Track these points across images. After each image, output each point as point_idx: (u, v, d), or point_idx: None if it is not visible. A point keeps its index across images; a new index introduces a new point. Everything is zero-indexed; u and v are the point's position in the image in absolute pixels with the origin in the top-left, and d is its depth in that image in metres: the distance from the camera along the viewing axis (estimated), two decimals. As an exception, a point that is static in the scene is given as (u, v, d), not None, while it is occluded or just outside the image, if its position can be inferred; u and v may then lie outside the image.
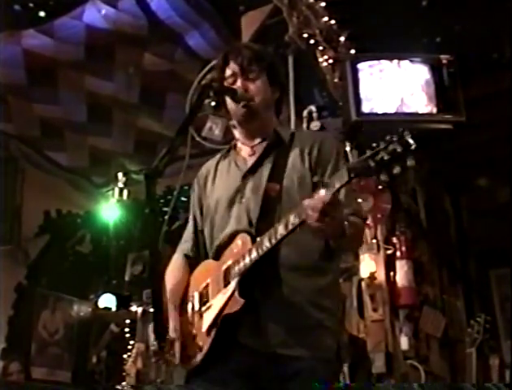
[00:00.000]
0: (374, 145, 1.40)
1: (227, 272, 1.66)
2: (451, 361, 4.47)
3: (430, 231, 4.79)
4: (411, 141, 1.35)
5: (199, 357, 1.66)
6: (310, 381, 1.58)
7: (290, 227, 1.53)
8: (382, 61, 3.72)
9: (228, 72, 1.83)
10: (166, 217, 1.73)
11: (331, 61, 3.92)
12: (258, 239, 1.61)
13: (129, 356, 5.87)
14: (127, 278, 6.56)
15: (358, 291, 4.13)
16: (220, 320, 1.62)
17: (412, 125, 3.61)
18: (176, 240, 2.01)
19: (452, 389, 3.85)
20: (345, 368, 3.67)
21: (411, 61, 3.75)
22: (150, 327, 1.79)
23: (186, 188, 2.06)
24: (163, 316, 1.66)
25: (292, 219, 1.53)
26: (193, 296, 1.77)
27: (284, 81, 2.12)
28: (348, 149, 3.86)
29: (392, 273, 4.13)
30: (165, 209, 1.91)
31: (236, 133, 1.91)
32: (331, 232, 1.53)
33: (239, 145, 1.90)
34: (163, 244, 1.71)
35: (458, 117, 3.62)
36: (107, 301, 5.94)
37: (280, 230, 1.55)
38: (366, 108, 3.59)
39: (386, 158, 1.36)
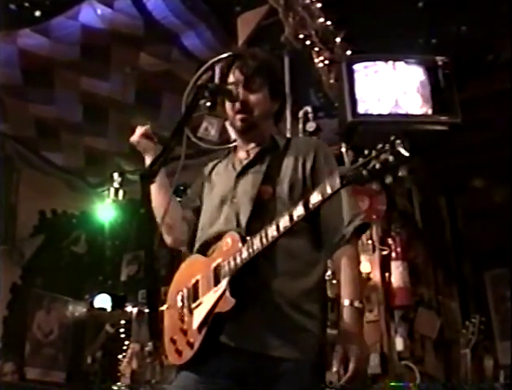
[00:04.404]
0: (366, 152, 1.38)
1: (217, 270, 1.66)
2: (446, 362, 4.48)
3: (425, 232, 4.80)
4: (403, 151, 1.32)
5: (190, 353, 1.66)
6: (294, 382, 1.58)
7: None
8: (377, 62, 3.73)
9: (232, 79, 1.86)
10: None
11: (326, 62, 3.93)
12: (249, 239, 1.60)
13: (124, 356, 5.86)
14: (122, 278, 6.56)
15: (354, 292, 4.13)
16: (211, 318, 1.62)
17: (407, 126, 3.62)
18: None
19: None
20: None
21: (406, 62, 3.75)
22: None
23: (182, 188, 2.07)
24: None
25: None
26: (182, 292, 1.77)
27: (285, 93, 2.13)
28: (343, 150, 3.87)
29: (387, 274, 4.14)
30: (160, 209, 1.90)
31: (233, 135, 1.96)
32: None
33: (238, 147, 1.94)
34: (158, 245, 1.72)
35: (454, 118, 3.63)
36: (102, 301, 5.92)
37: (272, 231, 1.54)
38: (361, 109, 3.60)
39: (378, 167, 1.35)
